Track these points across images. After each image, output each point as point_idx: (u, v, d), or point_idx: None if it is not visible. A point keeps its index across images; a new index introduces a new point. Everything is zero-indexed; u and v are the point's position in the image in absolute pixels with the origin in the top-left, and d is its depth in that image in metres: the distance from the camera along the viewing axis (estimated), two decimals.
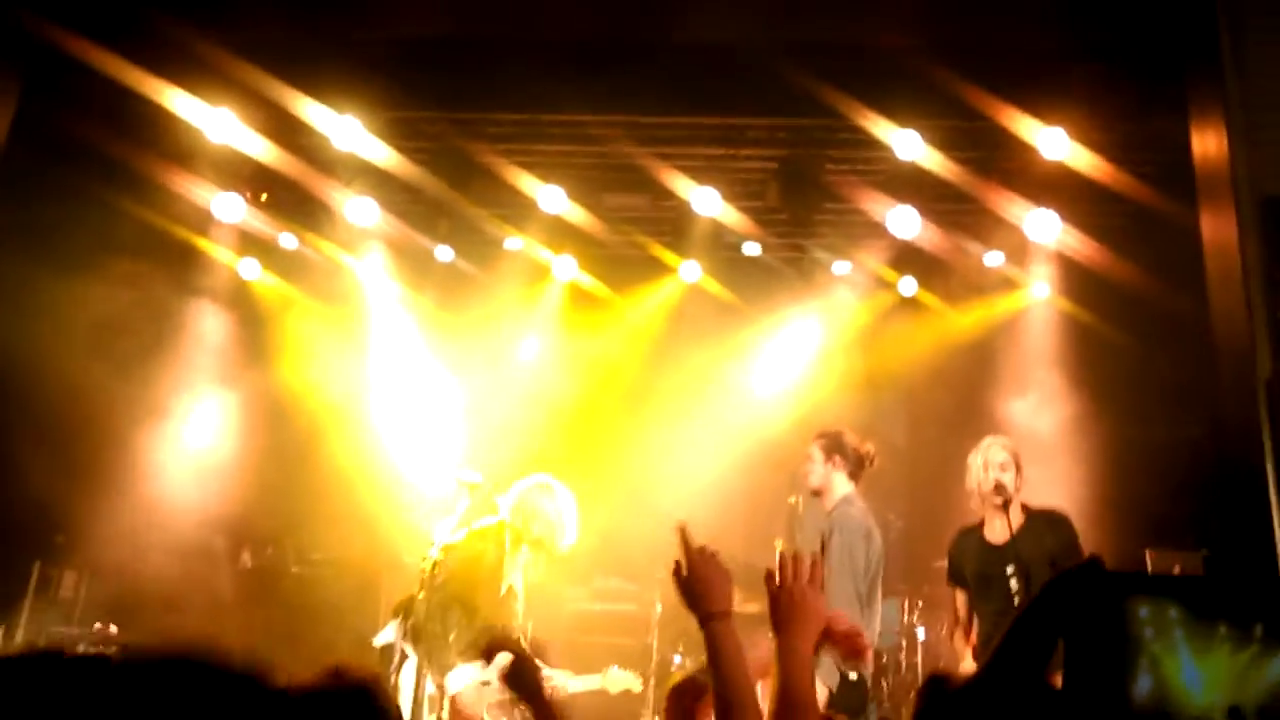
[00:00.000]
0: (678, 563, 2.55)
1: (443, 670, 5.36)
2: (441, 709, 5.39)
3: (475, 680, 5.42)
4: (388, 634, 5.51)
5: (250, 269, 8.08)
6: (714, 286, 8.08)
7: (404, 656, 5.33)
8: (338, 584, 7.09)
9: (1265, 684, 1.05)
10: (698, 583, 2.52)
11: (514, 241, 8.01)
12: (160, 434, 7.65)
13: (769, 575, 2.52)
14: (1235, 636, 1.07)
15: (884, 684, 6.53)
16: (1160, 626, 1.06)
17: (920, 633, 6.45)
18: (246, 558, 7.53)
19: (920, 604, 6.48)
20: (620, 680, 5.90)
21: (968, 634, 5.49)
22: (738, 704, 2.35)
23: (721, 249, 7.87)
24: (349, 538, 7.14)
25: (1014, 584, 5.11)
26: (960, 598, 5.58)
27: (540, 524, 5.68)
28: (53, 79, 6.06)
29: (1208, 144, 6.39)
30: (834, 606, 5.31)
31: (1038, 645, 1.17)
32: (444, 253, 8.11)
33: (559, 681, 5.63)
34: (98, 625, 6.39)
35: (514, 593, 5.77)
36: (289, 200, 7.50)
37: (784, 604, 2.47)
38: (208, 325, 7.98)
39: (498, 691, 5.40)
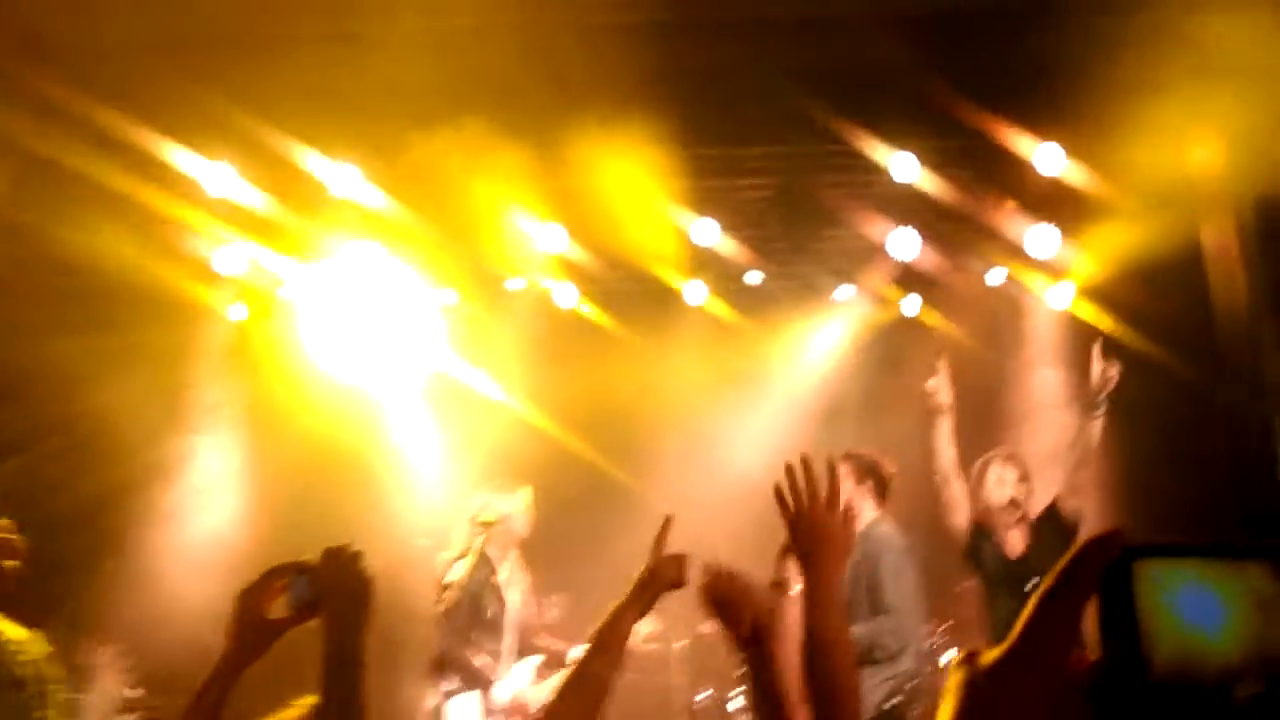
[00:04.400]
0: (704, 592, 2.49)
1: (486, 691, 5.47)
2: None
3: (520, 687, 5.51)
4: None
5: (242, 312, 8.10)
6: (720, 311, 8.07)
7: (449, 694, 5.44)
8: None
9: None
10: (728, 608, 2.44)
11: (517, 281, 8.05)
12: (180, 493, 7.68)
13: (780, 496, 2.31)
14: (1256, 591, 1.07)
15: (917, 710, 6.47)
16: (1173, 587, 1.06)
17: (945, 657, 6.35)
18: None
19: (945, 626, 6.39)
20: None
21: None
22: None
23: (724, 278, 7.87)
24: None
25: None
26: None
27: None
28: None
29: (1204, 150, 6.44)
30: (908, 620, 5.37)
31: (1062, 619, 1.17)
32: (447, 296, 8.15)
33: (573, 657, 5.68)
34: (126, 692, 6.35)
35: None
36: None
37: (804, 531, 2.28)
38: (220, 378, 7.99)
39: (540, 689, 5.52)
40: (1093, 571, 1.16)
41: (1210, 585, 1.09)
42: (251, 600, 2.18)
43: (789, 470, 2.32)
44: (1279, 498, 5.89)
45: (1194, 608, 1.09)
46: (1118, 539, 1.16)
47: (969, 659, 1.21)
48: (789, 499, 2.30)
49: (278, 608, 2.19)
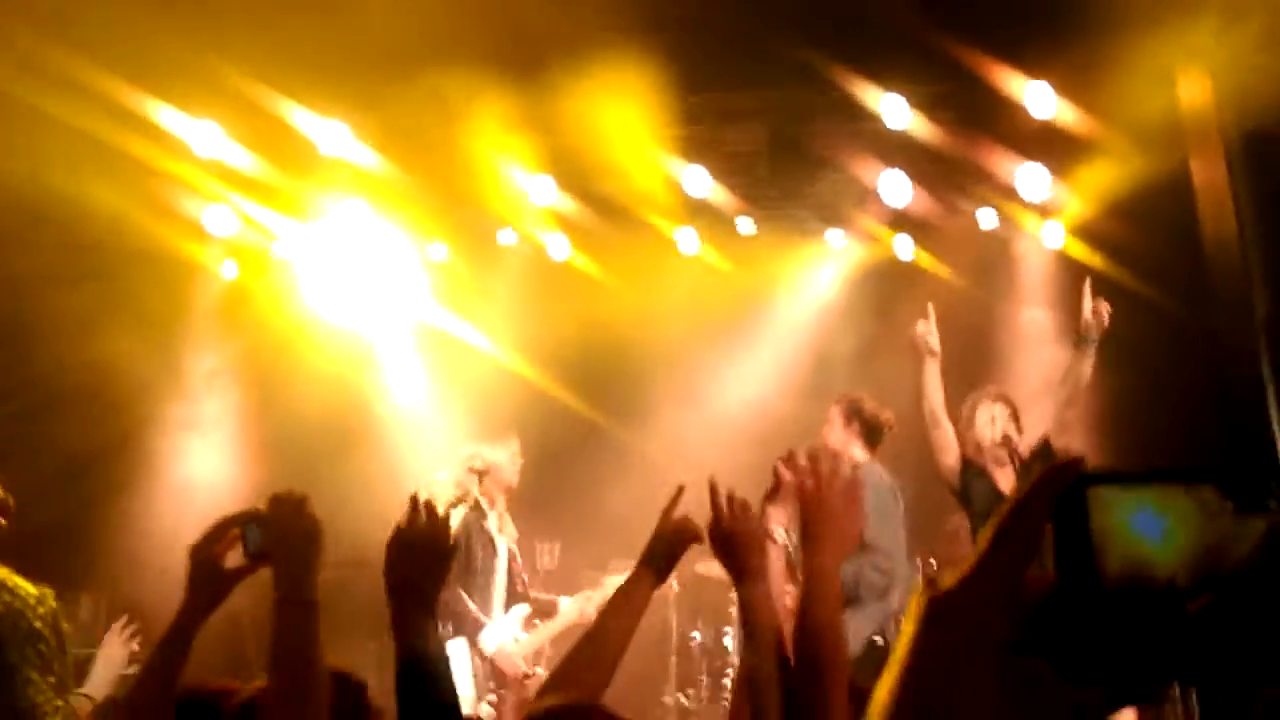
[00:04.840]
0: (713, 518, 2.40)
1: (473, 639, 5.51)
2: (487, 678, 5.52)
3: (507, 637, 5.54)
4: None
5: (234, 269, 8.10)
6: (711, 258, 8.06)
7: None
8: (363, 585, 7.07)
9: (1237, 551, 1.08)
10: (735, 539, 2.36)
11: (507, 234, 8.04)
12: (176, 448, 7.71)
13: (792, 469, 2.28)
14: (1203, 509, 1.10)
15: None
16: (1125, 509, 1.09)
17: None
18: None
19: (935, 564, 6.47)
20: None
21: None
22: (771, 672, 2.21)
23: (715, 225, 7.87)
24: (370, 537, 7.12)
25: None
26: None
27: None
28: None
29: (1192, 86, 6.41)
30: (893, 555, 5.43)
31: (1020, 542, 1.19)
32: (437, 250, 8.16)
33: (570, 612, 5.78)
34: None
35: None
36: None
37: (814, 513, 2.23)
38: (213, 335, 8.01)
39: (528, 641, 5.57)
40: (1048, 497, 1.19)
41: (1160, 506, 1.12)
42: (205, 550, 2.22)
43: (812, 456, 2.27)
44: (1266, 431, 5.92)
45: (1144, 526, 1.12)
46: (1073, 467, 1.19)
47: (929, 584, 1.23)
48: (807, 480, 2.26)
49: (232, 557, 2.22)
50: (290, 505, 2.19)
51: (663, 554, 2.55)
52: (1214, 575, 1.04)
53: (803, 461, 2.27)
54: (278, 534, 2.15)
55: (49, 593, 3.30)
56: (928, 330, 5.66)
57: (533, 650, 5.76)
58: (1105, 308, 5.35)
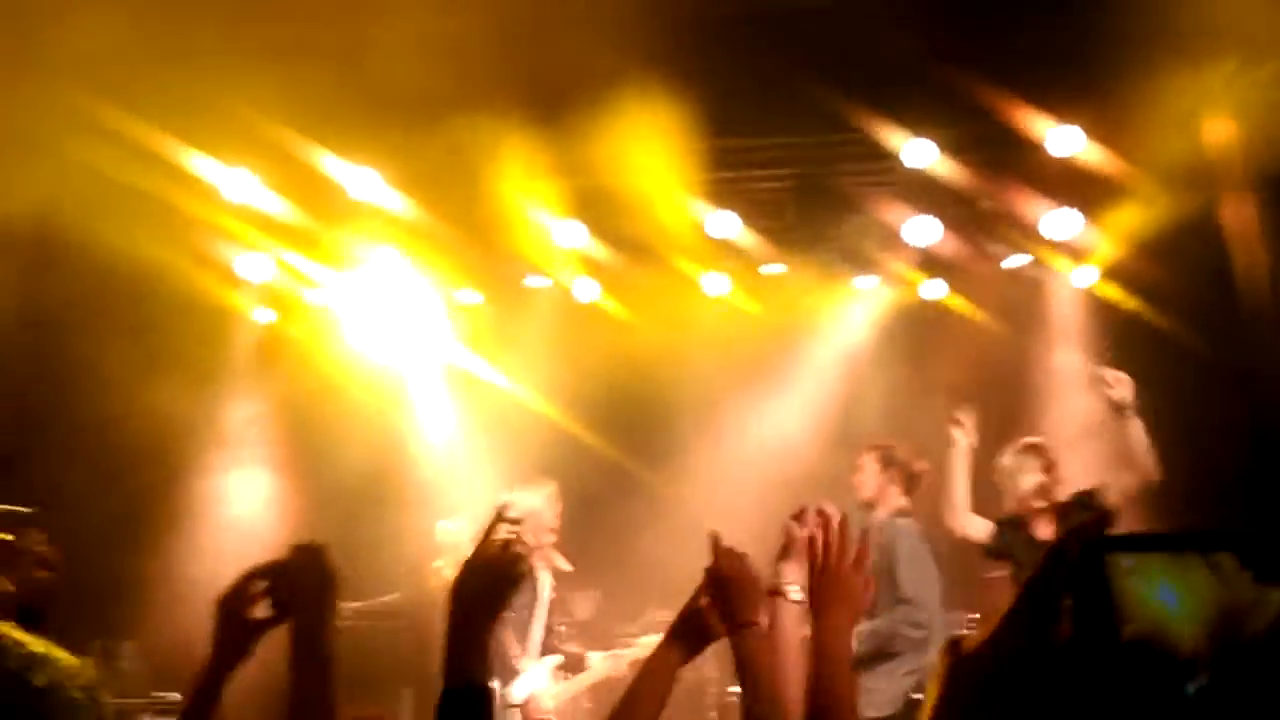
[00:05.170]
0: (709, 569, 2.44)
1: (505, 683, 5.47)
2: None
3: (538, 686, 5.53)
4: None
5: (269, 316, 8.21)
6: (741, 303, 8.08)
7: None
8: (389, 633, 7.11)
9: (1254, 621, 1.10)
10: (730, 587, 2.40)
11: (537, 277, 8.11)
12: (212, 499, 7.78)
13: (809, 543, 2.31)
14: (1221, 577, 1.13)
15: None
16: (1146, 574, 1.12)
17: None
18: None
19: (975, 616, 6.40)
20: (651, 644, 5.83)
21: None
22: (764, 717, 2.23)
23: (745, 269, 7.90)
24: (397, 584, 7.17)
25: None
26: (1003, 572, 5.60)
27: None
28: None
29: (1216, 127, 6.42)
30: (930, 609, 5.41)
31: (1042, 605, 1.22)
32: (467, 295, 8.22)
33: (599, 666, 5.78)
34: (155, 694, 6.42)
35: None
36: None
37: (825, 585, 2.29)
38: (251, 381, 8.10)
39: (556, 692, 5.54)
40: (1066, 562, 1.21)
41: (1178, 573, 1.15)
42: (231, 603, 2.19)
43: (827, 527, 2.32)
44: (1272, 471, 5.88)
45: (1162, 593, 1.14)
46: (1093, 531, 1.24)
47: (953, 646, 1.27)
48: (818, 552, 2.31)
49: (259, 609, 2.20)
50: (308, 556, 2.19)
51: (693, 632, 2.50)
52: (1231, 645, 1.06)
53: (813, 519, 2.33)
54: (295, 586, 2.15)
55: (89, 662, 3.34)
56: (965, 423, 5.59)
57: (559, 703, 5.70)
58: (1123, 377, 5.26)
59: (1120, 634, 1.12)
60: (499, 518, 2.26)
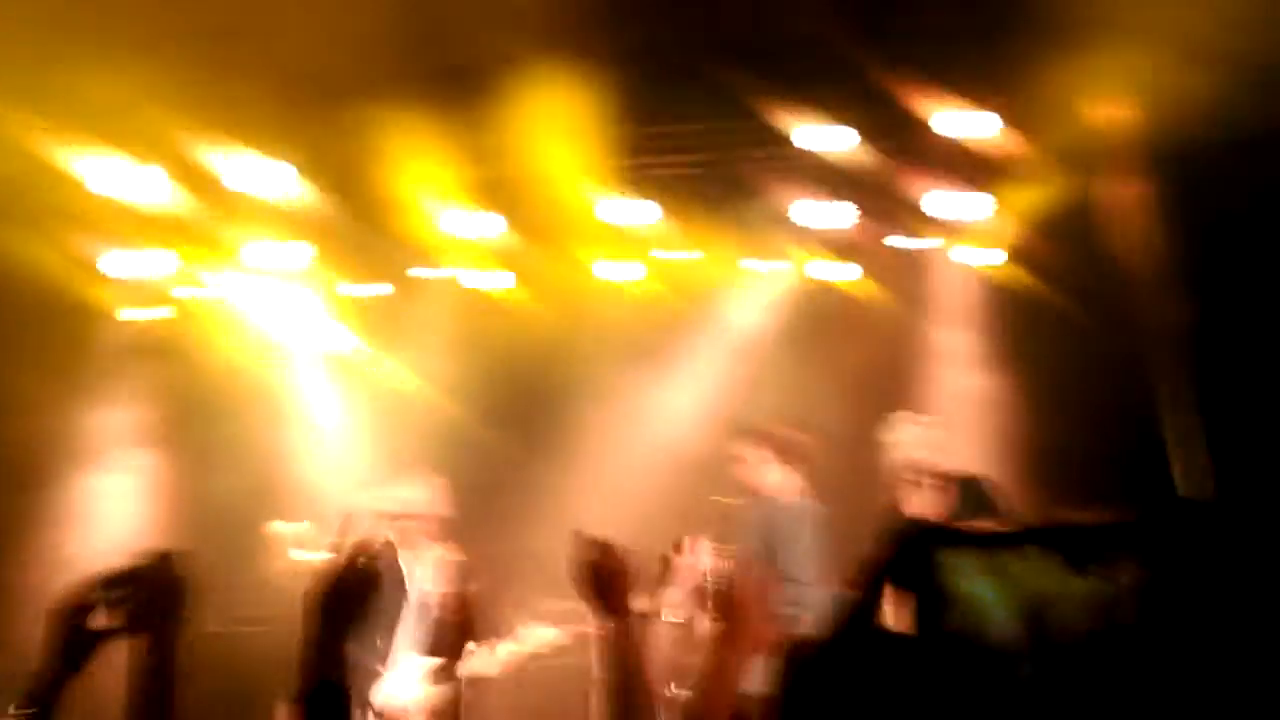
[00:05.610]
0: (575, 564, 2.47)
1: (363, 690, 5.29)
2: None
3: (403, 689, 5.39)
4: None
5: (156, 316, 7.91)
6: (641, 287, 8.00)
7: None
8: (264, 642, 6.93)
9: (1063, 613, 1.10)
10: (598, 577, 2.45)
11: (433, 267, 7.95)
12: (73, 491, 7.50)
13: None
14: (1033, 570, 1.12)
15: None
16: (964, 569, 1.11)
17: None
18: None
19: None
20: (537, 637, 5.84)
21: None
22: (633, 708, 2.28)
23: (645, 253, 7.85)
24: (277, 594, 6.99)
25: None
26: None
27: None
28: None
29: (1112, 108, 6.50)
30: (805, 586, 5.33)
31: (864, 598, 1.18)
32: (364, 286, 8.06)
33: (475, 664, 5.60)
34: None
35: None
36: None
37: (730, 613, 2.41)
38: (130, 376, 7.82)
39: (430, 694, 5.41)
40: (889, 558, 1.22)
41: (996, 567, 1.15)
42: (68, 611, 2.06)
43: (735, 571, 2.61)
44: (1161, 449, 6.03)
45: (982, 587, 1.14)
46: (915, 528, 1.23)
47: (793, 646, 1.26)
48: (737, 591, 2.43)
49: (99, 618, 2.07)
50: (156, 563, 2.09)
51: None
52: (1042, 638, 1.07)
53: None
54: (141, 595, 2.04)
55: None
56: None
57: (436, 703, 5.53)
58: None
59: (945, 629, 1.10)
60: (347, 525, 2.26)
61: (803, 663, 1.22)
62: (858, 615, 1.19)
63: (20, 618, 6.56)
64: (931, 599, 1.09)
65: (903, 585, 1.13)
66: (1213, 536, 1.12)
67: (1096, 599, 1.09)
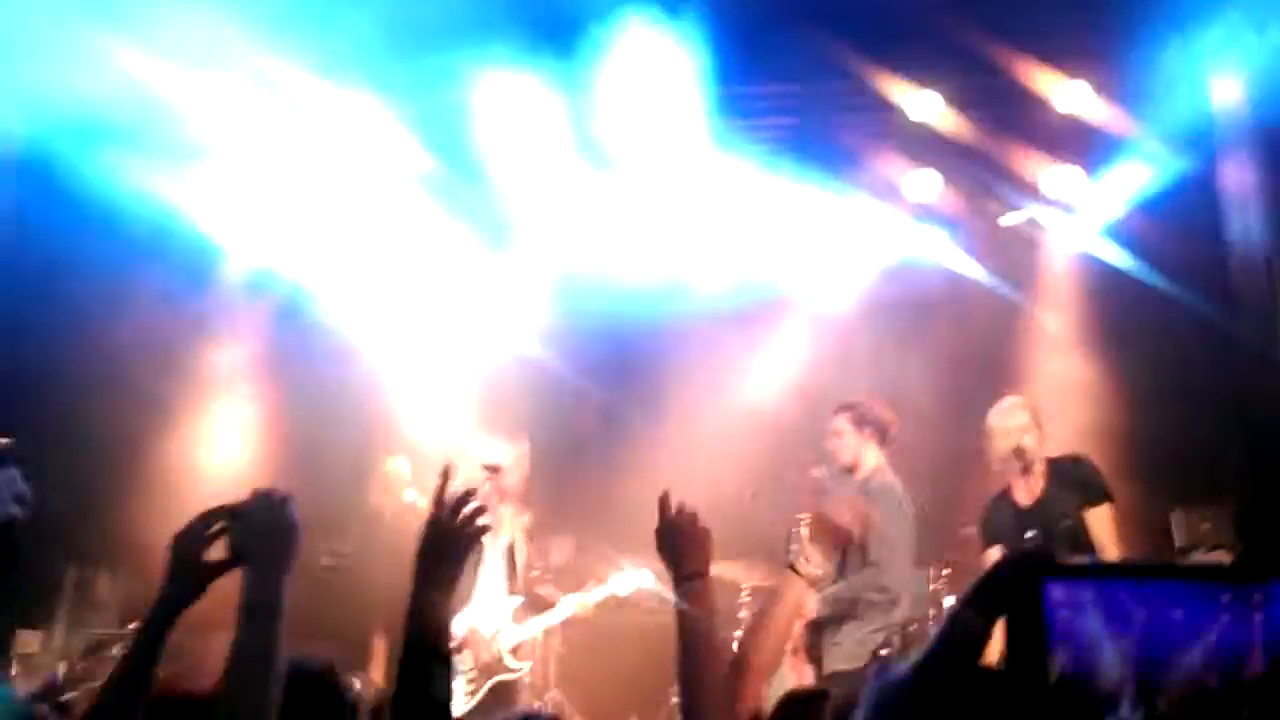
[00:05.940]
0: (659, 529, 2.60)
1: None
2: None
3: (487, 624, 5.65)
4: None
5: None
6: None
7: None
8: (368, 577, 7.11)
9: (1181, 660, 1.07)
10: (678, 540, 2.57)
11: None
12: (191, 434, 7.75)
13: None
14: (1149, 618, 1.10)
15: (912, 654, 6.48)
16: (1076, 606, 1.09)
17: (947, 601, 6.40)
18: None
19: (947, 572, 6.42)
20: (629, 581, 5.99)
21: None
22: (707, 668, 2.40)
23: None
24: (377, 531, 7.17)
25: None
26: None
27: None
28: None
29: (1225, 91, 6.33)
30: (898, 571, 5.43)
31: (972, 631, 1.19)
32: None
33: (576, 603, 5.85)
34: (133, 626, 6.43)
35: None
36: None
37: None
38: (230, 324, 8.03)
39: (515, 632, 5.68)
40: (1003, 588, 1.19)
41: (1109, 605, 1.12)
42: (185, 543, 2.15)
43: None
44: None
45: (1096, 625, 1.12)
46: (1032, 559, 1.20)
47: (881, 670, 1.23)
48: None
49: (214, 551, 2.15)
50: (271, 504, 2.14)
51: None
52: (1155, 681, 1.03)
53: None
54: (254, 533, 2.10)
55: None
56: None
57: (519, 641, 5.71)
58: None
59: (1048, 665, 1.09)
60: (446, 477, 2.34)
61: (897, 700, 1.23)
62: (958, 646, 1.20)
63: (146, 547, 6.84)
64: (1036, 633, 1.10)
65: (1008, 615, 1.14)
66: None
67: (1226, 646, 1.07)
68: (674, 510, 2.60)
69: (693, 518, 2.60)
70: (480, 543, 4.87)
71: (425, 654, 2.20)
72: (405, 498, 6.59)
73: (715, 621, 2.50)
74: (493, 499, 5.71)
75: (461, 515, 2.28)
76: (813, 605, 5.35)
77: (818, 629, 5.49)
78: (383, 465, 7.02)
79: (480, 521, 2.30)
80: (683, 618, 2.46)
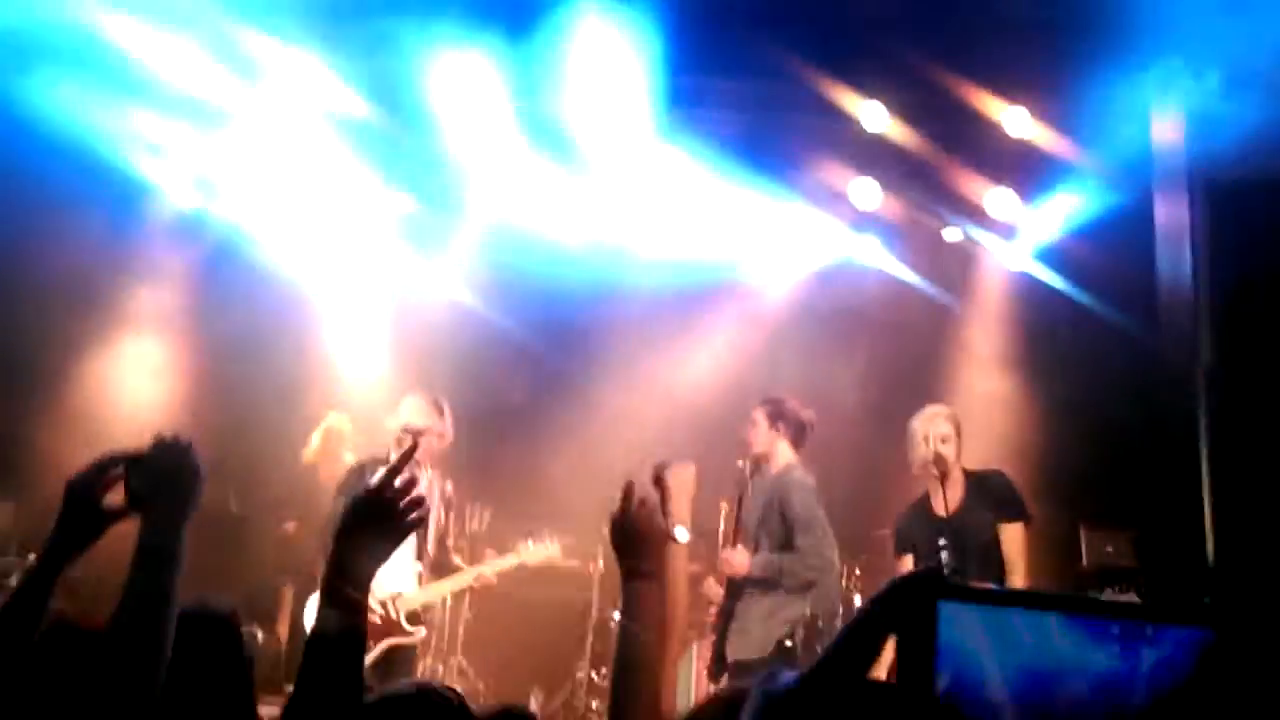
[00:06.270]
0: (617, 512, 2.43)
1: None
2: None
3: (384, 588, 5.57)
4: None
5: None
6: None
7: None
8: (285, 531, 7.07)
9: (1071, 687, 1.11)
10: (634, 535, 2.41)
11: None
12: (100, 365, 7.63)
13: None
14: (1042, 639, 1.13)
15: (818, 650, 6.58)
16: (965, 626, 1.13)
17: (857, 600, 6.51)
18: None
19: (858, 572, 6.53)
20: (537, 551, 6.06)
21: None
22: (646, 664, 2.29)
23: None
24: (294, 479, 7.11)
25: (945, 557, 5.16)
26: (908, 568, 5.64)
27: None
28: None
29: (1165, 129, 6.46)
30: (820, 558, 5.50)
31: (863, 646, 1.22)
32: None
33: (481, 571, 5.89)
34: (32, 556, 6.31)
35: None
36: None
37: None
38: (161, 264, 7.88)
39: (412, 596, 5.64)
40: (898, 605, 1.21)
41: (1003, 628, 1.15)
42: (82, 487, 2.12)
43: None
44: (1197, 482, 6.00)
45: (981, 646, 1.14)
46: (927, 579, 1.23)
47: (768, 678, 1.25)
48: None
49: (112, 497, 2.12)
50: (172, 449, 2.10)
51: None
52: (1041, 707, 1.06)
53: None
54: (155, 478, 2.06)
55: None
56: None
57: (417, 606, 5.69)
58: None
59: (934, 684, 1.12)
60: (410, 454, 2.19)
61: (779, 704, 1.24)
62: (848, 660, 1.22)
63: (55, 479, 6.70)
64: (924, 652, 1.12)
65: (900, 633, 1.16)
66: (1234, 646, 1.12)
67: (1112, 679, 1.09)
68: (636, 504, 2.42)
69: (652, 514, 2.44)
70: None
71: (341, 619, 2.00)
72: (345, 459, 6.56)
73: (658, 633, 2.32)
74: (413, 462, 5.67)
75: (408, 499, 2.08)
76: (744, 560, 5.47)
77: (736, 593, 5.61)
78: (323, 420, 6.99)
79: (416, 515, 2.09)
80: (624, 628, 2.33)
